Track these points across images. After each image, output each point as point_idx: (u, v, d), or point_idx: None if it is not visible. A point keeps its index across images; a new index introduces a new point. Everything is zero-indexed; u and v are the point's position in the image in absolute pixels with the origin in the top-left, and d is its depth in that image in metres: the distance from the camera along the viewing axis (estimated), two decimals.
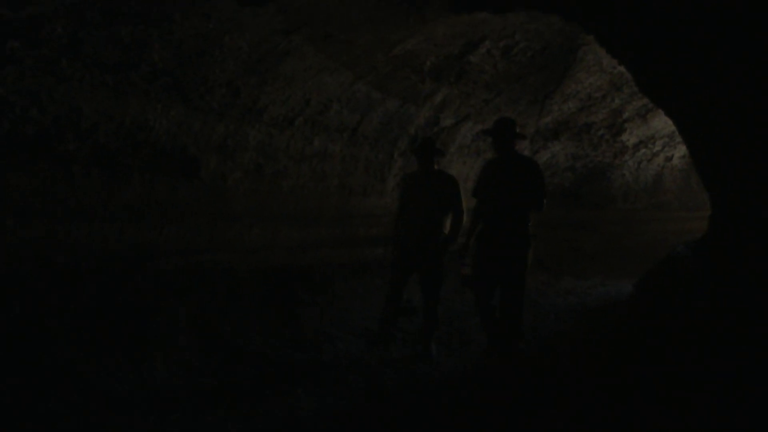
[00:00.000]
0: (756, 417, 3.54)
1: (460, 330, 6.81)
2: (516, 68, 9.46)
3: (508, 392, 4.78)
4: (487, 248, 5.46)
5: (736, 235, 5.33)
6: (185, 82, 5.83)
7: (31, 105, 4.58)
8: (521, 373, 5.20)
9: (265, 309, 6.70)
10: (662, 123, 12.99)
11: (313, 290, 7.68)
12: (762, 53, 3.75)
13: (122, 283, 5.79)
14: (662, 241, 13.16)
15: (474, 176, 10.86)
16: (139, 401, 4.22)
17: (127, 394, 4.33)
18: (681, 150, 14.93)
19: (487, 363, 5.53)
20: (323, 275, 8.00)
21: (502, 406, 4.39)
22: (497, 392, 4.76)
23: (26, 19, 3.95)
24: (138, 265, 6.02)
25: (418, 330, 6.46)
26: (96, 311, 5.35)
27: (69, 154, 5.15)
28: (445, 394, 4.79)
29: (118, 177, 5.75)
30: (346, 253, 8.76)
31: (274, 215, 7.78)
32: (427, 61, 8.28)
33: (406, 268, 5.86)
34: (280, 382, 4.77)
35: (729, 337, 4.48)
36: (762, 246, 4.66)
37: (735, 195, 5.37)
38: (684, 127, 6.16)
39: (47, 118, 4.77)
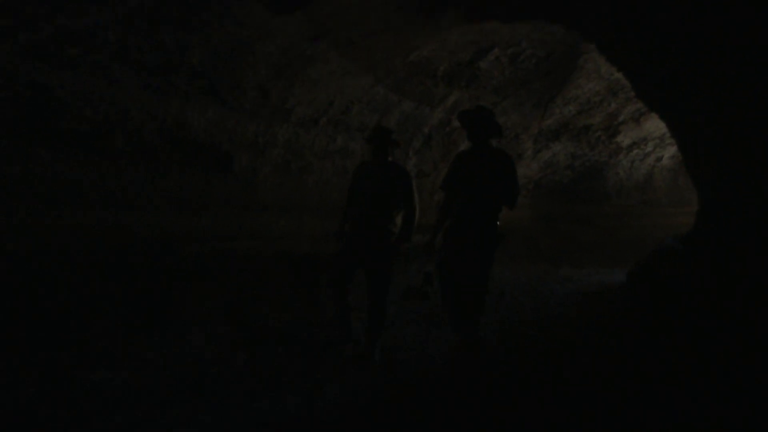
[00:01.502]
0: (734, 389, 3.59)
1: None
2: (522, 74, 9.47)
3: (508, 366, 4.78)
4: (455, 245, 4.76)
5: (723, 229, 5.34)
6: (221, 84, 5.90)
7: (85, 105, 4.65)
8: (523, 350, 5.20)
9: (290, 292, 6.74)
10: (654, 126, 12.99)
11: None
12: (751, 67, 3.76)
13: (162, 266, 5.85)
14: (652, 234, 13.15)
15: None
16: (178, 371, 4.28)
17: (168, 364, 4.39)
18: (670, 151, 14.94)
19: (456, 355, 4.87)
20: None
21: (504, 377, 4.42)
22: (499, 367, 4.76)
23: (84, 29, 4.02)
24: (176, 250, 6.09)
25: (429, 312, 6.47)
26: (139, 290, 5.42)
27: (117, 150, 5.23)
28: (450, 371, 4.80)
29: (159, 171, 5.83)
30: None
31: (300, 207, 7.84)
32: (441, 67, 8.32)
33: (350, 265, 4.93)
34: (305, 359, 4.76)
35: (716, 323, 4.51)
36: (748, 240, 4.67)
37: (722, 192, 5.38)
38: (676, 129, 6.16)
39: (99, 117, 4.85)
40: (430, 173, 10.25)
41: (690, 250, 6.19)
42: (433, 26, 6.75)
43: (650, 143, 14.55)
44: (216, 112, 6.11)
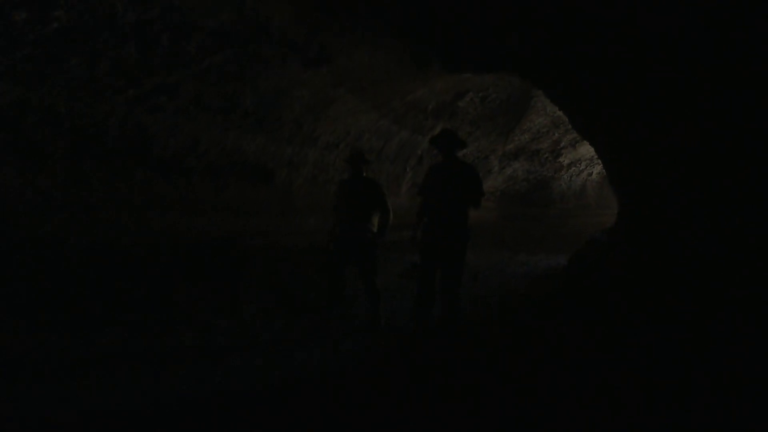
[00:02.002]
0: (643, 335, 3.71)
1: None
2: (489, 111, 9.55)
3: (480, 325, 4.83)
4: (432, 239, 4.41)
5: (634, 225, 5.47)
6: (266, 119, 5.99)
7: (169, 137, 4.78)
8: (491, 315, 5.27)
9: (318, 274, 6.77)
10: (586, 150, 13.11)
11: None
12: (651, 114, 3.88)
13: (224, 255, 5.93)
14: (585, 229, 13.21)
15: None
16: (237, 333, 4.36)
17: (229, 328, 4.48)
18: (598, 168, 15.11)
19: (414, 330, 4.58)
20: None
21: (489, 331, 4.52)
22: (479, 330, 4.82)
23: (171, 83, 4.14)
24: (234, 243, 6.17)
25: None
26: (204, 275, 5.50)
27: (190, 169, 5.34)
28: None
29: (220, 184, 5.92)
30: None
31: (324, 209, 7.79)
32: (429, 105, 8.40)
33: (342, 257, 4.74)
34: (327, 324, 4.73)
35: (627, 289, 4.67)
36: (649, 232, 4.82)
37: (633, 199, 5.50)
38: (601, 153, 6.25)
39: (179, 145, 4.97)
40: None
41: (611, 240, 6.32)
42: (423, 76, 6.83)
43: (583, 163, 14.67)
44: (262, 139, 6.20)
